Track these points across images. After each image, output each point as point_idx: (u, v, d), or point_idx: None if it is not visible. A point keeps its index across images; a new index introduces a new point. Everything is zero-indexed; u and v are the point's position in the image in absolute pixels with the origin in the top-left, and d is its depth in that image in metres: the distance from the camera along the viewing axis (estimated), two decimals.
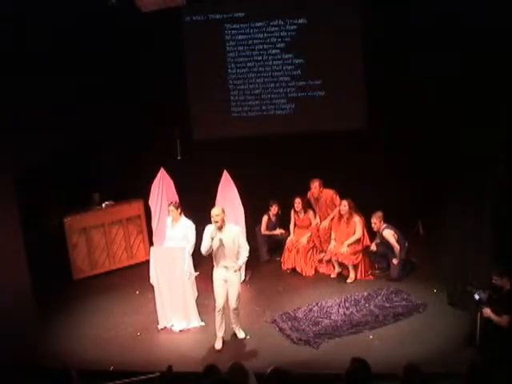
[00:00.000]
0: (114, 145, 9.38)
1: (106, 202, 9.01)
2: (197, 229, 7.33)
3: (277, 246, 8.95)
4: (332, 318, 7.09)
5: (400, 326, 6.82)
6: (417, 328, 6.72)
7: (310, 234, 8.59)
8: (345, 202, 8.14)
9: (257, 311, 7.44)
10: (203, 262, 8.21)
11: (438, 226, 7.94)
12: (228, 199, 7.94)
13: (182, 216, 7.47)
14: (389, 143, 9.03)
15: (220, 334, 6.69)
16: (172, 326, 7.20)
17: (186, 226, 7.36)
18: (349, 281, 8.07)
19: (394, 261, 7.90)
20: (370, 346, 6.46)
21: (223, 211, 6.40)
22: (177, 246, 7.24)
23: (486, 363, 4.85)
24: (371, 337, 6.65)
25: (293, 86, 9.58)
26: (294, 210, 8.74)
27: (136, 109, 9.39)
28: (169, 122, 9.19)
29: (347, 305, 7.34)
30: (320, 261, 8.50)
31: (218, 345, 6.69)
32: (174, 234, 7.36)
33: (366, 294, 7.56)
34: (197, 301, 7.30)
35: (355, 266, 8.12)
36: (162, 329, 7.19)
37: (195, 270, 7.32)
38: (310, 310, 7.31)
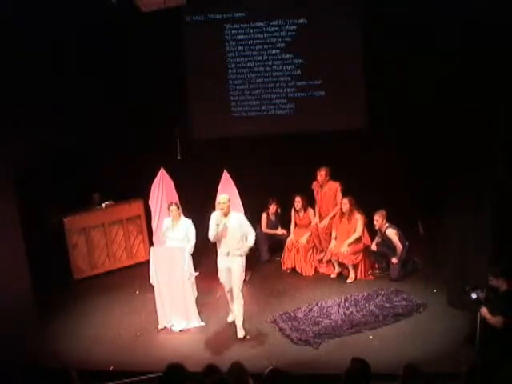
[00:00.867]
0: (113, 145, 9.37)
1: (106, 202, 9.01)
2: (197, 228, 7.34)
3: (277, 246, 8.95)
4: (332, 318, 7.09)
5: (400, 326, 6.82)
6: (417, 328, 6.72)
7: (309, 233, 8.59)
8: (346, 200, 8.14)
9: (257, 311, 7.43)
10: (203, 262, 8.23)
11: (438, 226, 7.94)
12: None
13: (182, 216, 7.48)
14: (389, 143, 9.02)
15: (232, 307, 7.01)
16: (172, 326, 7.19)
17: (187, 225, 7.35)
18: (349, 281, 8.07)
19: (394, 260, 7.90)
20: (370, 346, 6.46)
21: (229, 200, 6.79)
22: (177, 245, 7.24)
23: (486, 363, 4.84)
24: (371, 337, 6.65)
25: (293, 86, 9.59)
26: (294, 209, 8.74)
27: (136, 109, 9.39)
28: (169, 122, 9.18)
29: (347, 305, 7.33)
30: (320, 261, 8.50)
31: (230, 318, 7.11)
32: (175, 234, 7.35)
33: (365, 294, 7.56)
34: (197, 301, 7.30)
35: (355, 266, 8.12)
36: (162, 329, 7.19)
37: (195, 270, 7.31)
38: (310, 310, 7.31)
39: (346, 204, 8.13)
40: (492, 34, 6.89)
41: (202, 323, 7.19)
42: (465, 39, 7.46)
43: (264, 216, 8.93)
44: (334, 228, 8.37)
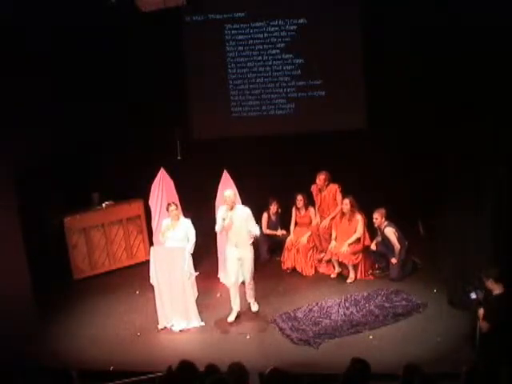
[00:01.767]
0: (113, 145, 9.37)
1: (106, 202, 9.00)
2: (196, 228, 7.34)
3: (277, 246, 8.95)
4: (332, 318, 7.09)
5: (400, 326, 6.82)
6: (417, 328, 6.71)
7: (309, 233, 8.59)
8: (347, 200, 8.13)
9: (257, 311, 7.42)
10: (203, 262, 8.23)
11: (438, 226, 7.94)
12: None
13: (181, 216, 7.48)
14: (389, 143, 9.02)
15: (235, 307, 7.19)
16: (172, 326, 7.19)
17: (187, 225, 7.36)
18: (349, 281, 8.06)
19: (393, 260, 7.90)
20: (370, 345, 6.46)
21: (234, 194, 7.25)
22: (177, 245, 7.24)
23: (486, 363, 4.84)
24: (371, 337, 6.65)
25: (293, 86, 9.58)
26: (296, 207, 8.73)
27: (136, 109, 9.39)
28: (169, 122, 9.18)
29: (347, 305, 7.33)
30: (320, 260, 8.49)
31: (231, 317, 7.16)
32: (175, 234, 7.36)
33: (365, 294, 7.56)
34: (197, 301, 7.30)
35: (355, 266, 8.12)
36: (162, 329, 7.19)
37: (195, 270, 7.32)
38: (310, 310, 7.30)
39: (346, 204, 8.12)
40: (492, 34, 6.91)
41: (202, 323, 7.19)
42: (465, 39, 7.47)
43: (265, 216, 8.93)
44: (334, 228, 8.36)
